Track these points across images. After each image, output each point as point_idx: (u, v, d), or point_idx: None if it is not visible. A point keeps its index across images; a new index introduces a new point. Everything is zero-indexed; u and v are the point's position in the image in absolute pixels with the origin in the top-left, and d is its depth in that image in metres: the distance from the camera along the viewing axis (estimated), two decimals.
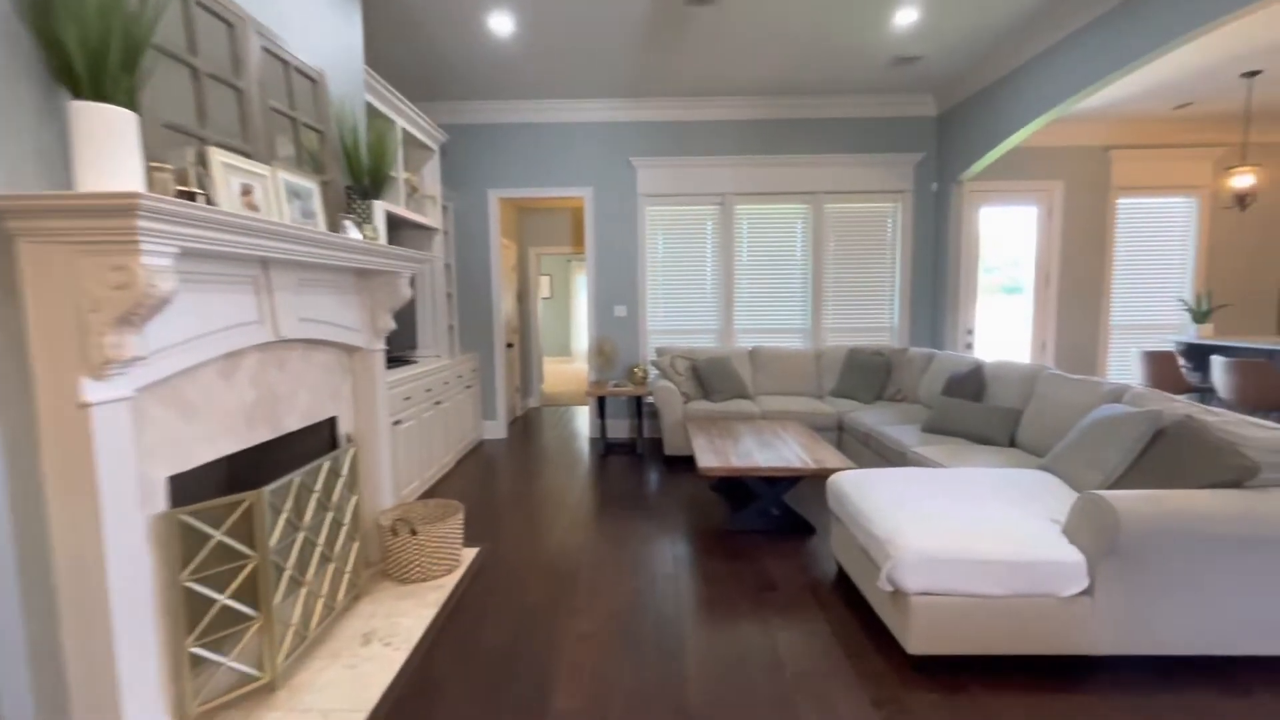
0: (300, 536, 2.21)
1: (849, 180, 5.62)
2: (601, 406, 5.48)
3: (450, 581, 2.85)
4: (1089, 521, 2.05)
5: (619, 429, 5.92)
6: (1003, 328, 5.99)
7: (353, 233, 2.63)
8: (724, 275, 5.74)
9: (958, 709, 1.95)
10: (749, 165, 5.61)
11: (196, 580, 1.81)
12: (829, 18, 3.92)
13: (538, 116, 5.56)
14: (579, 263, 12.41)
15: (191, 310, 1.80)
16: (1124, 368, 5.95)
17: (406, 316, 4.57)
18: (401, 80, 4.87)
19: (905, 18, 3.92)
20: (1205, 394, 4.38)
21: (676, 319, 5.84)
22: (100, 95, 1.45)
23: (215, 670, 1.95)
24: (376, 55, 4.40)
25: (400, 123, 4.04)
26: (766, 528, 3.46)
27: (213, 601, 1.86)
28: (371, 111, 3.63)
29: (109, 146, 1.45)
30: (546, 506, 3.95)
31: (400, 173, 3.98)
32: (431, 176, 4.73)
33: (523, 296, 7.42)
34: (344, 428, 2.85)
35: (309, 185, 2.39)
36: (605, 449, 5.38)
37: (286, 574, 2.11)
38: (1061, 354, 5.95)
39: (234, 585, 1.92)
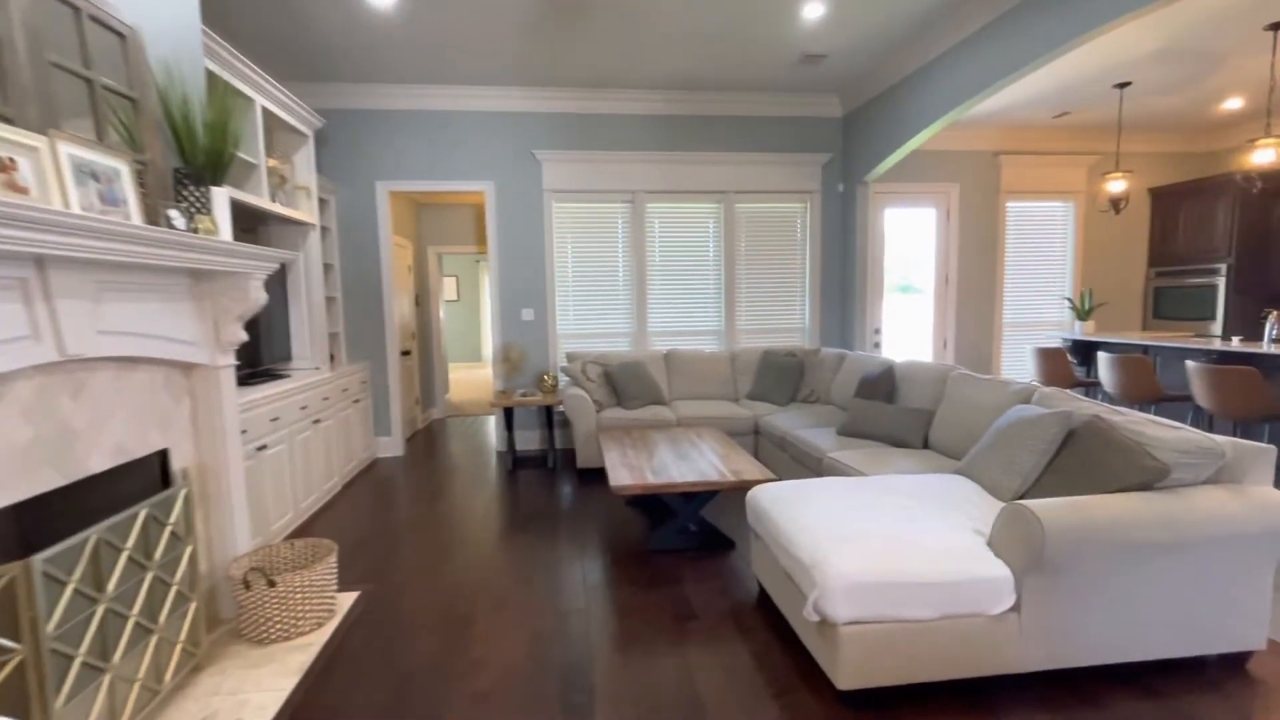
0: (100, 610, 1.73)
1: (759, 180, 5.55)
2: (509, 417, 5.09)
3: (320, 638, 2.42)
4: (1014, 534, 1.95)
5: (529, 440, 5.55)
6: (903, 327, 6.14)
7: (180, 225, 2.15)
8: (637, 276, 5.52)
9: None
10: (660, 162, 5.41)
11: None
12: (736, 8, 3.77)
13: (432, 103, 5.09)
14: (487, 263, 11.84)
15: None
16: (1017, 364, 6.26)
17: (279, 325, 4.00)
18: (274, 58, 4.28)
19: (812, 11, 3.84)
20: (1090, 388, 4.62)
21: (588, 322, 5.55)
22: None
23: None
24: (240, 27, 3.82)
25: (262, 102, 3.50)
26: (685, 546, 3.24)
27: None
28: (222, 86, 3.08)
29: None
30: (443, 534, 3.54)
31: (261, 158, 3.44)
32: (305, 166, 4.18)
33: (422, 299, 6.87)
34: (179, 462, 2.35)
35: (114, 165, 1.91)
36: (513, 463, 5.00)
37: (77, 663, 1.64)
38: (961, 352, 6.18)
39: None
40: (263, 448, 3.21)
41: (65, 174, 1.70)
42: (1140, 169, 6.30)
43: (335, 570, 2.61)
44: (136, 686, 1.87)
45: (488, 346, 12.28)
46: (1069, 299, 5.89)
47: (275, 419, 3.37)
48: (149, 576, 1.96)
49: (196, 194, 2.33)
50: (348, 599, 2.75)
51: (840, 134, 5.65)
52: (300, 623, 2.42)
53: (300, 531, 3.61)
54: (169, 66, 2.40)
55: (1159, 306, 6.27)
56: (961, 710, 1.94)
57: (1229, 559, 2.02)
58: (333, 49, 4.21)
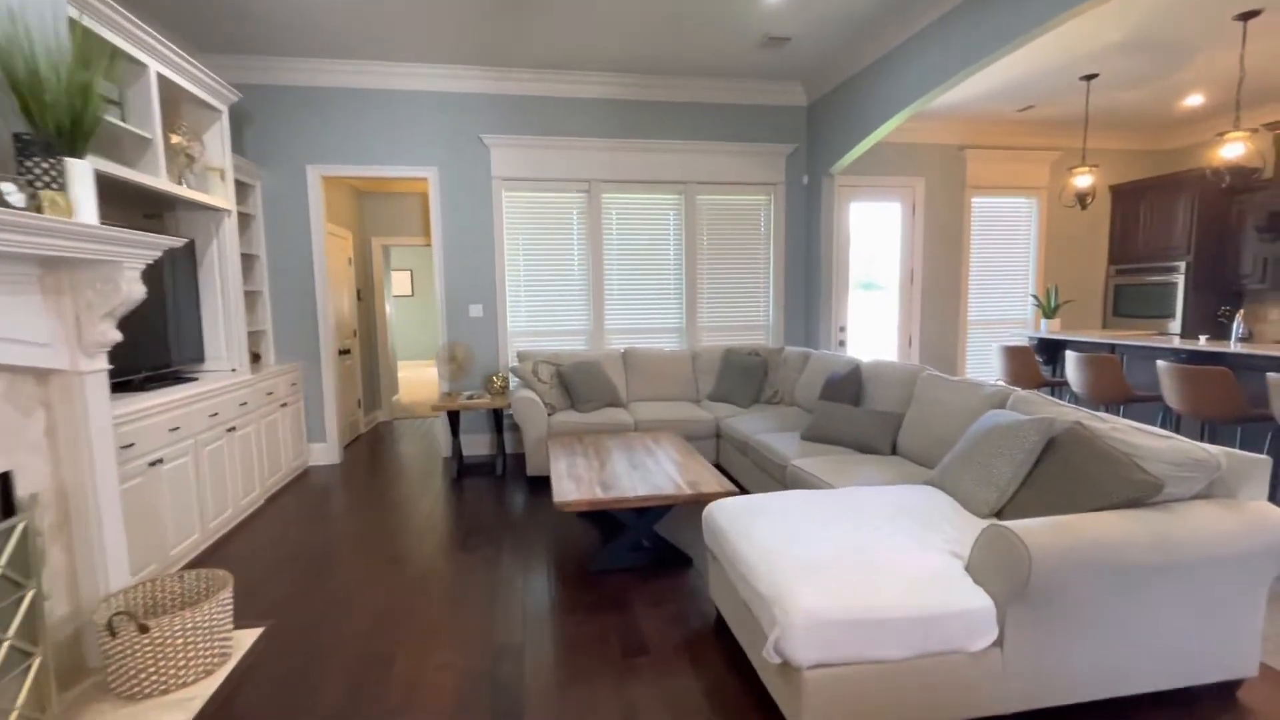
0: None
1: (721, 170, 5.31)
2: (455, 422, 4.74)
3: (206, 689, 2.07)
4: (996, 559, 1.73)
5: (478, 445, 5.20)
6: (868, 324, 5.99)
7: (17, 201, 1.77)
8: (593, 270, 5.21)
9: None
10: (617, 149, 5.12)
11: None
12: None
13: (370, 81, 4.69)
14: None
15: None
16: (983, 363, 6.17)
17: (189, 322, 3.59)
18: (185, 25, 3.83)
19: None
20: (1057, 387, 4.52)
21: (541, 319, 5.22)
22: None
23: None
24: None
25: (157, 67, 3.08)
26: (637, 564, 2.97)
27: None
28: (80, 33, 2.66)
29: None
30: (372, 553, 3.20)
31: (157, 133, 3.02)
32: (219, 145, 3.75)
33: (365, 294, 6.44)
34: (26, 486, 1.96)
35: None
36: (459, 470, 4.66)
37: None
38: (927, 350, 6.05)
39: None
40: (157, 462, 2.82)
41: None
42: (1102, 166, 6.27)
43: (230, 606, 2.26)
44: None
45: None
46: (1035, 296, 5.82)
47: (175, 429, 2.97)
48: None
49: (46, 166, 1.94)
50: (249, 637, 2.40)
51: (805, 124, 5.45)
52: (183, 672, 2.07)
53: (208, 555, 3.22)
54: (14, 14, 2.00)
55: (1119, 304, 6.26)
56: None
57: (1223, 581, 1.85)
58: (252, 17, 3.79)
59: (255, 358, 4.59)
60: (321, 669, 2.20)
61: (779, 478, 3.42)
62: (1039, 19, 3.05)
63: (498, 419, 4.82)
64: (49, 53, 2.01)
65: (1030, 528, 1.73)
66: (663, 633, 2.40)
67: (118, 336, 2.19)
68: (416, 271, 11.51)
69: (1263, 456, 1.90)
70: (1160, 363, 3.37)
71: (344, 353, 5.57)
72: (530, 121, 4.98)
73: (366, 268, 6.55)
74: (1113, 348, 4.33)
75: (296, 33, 4.07)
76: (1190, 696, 1.96)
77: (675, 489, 2.77)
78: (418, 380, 9.77)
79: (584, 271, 5.22)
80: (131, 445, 2.63)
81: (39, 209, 1.86)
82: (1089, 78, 4.63)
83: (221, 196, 3.74)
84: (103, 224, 2.05)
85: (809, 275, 5.53)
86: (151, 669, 2.01)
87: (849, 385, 3.75)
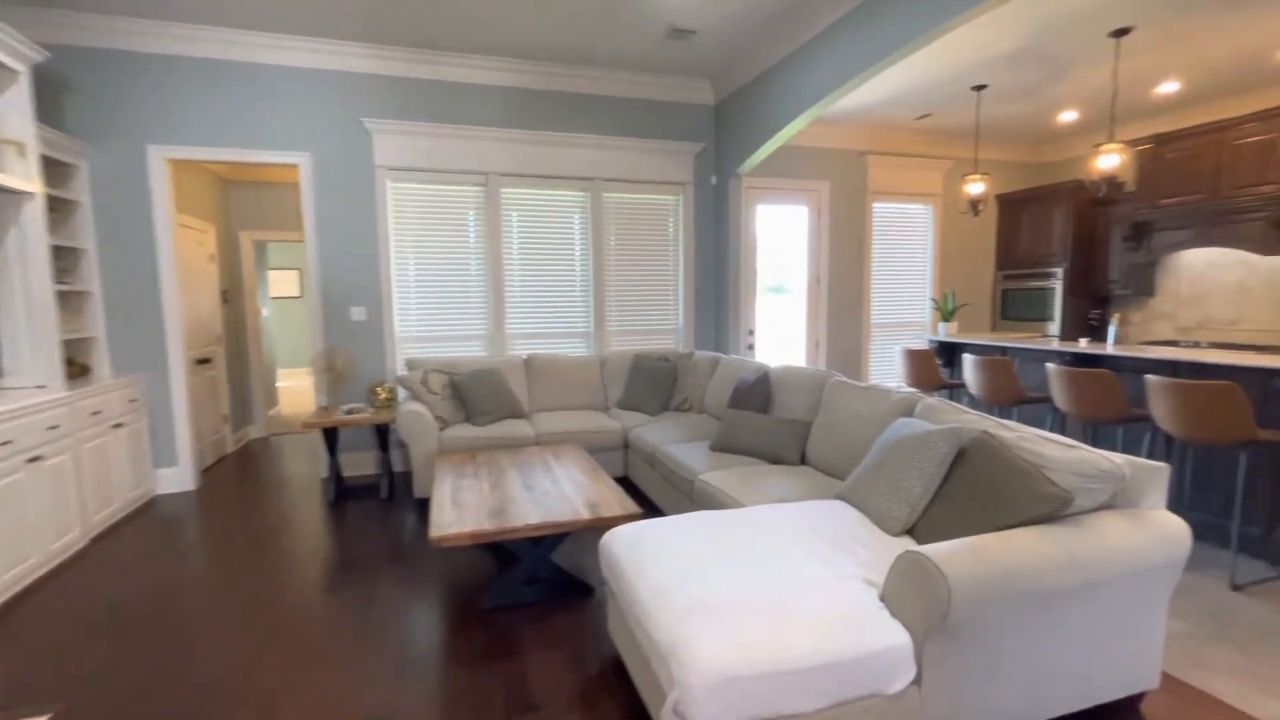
0: None
1: (629, 167, 5.08)
2: (333, 439, 4.22)
3: None
4: (913, 590, 1.58)
5: (361, 464, 4.69)
6: (776, 328, 5.97)
7: None
8: (492, 271, 4.84)
9: None
10: (518, 141, 4.77)
11: None
12: None
13: (227, 51, 4.09)
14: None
15: None
16: (886, 366, 6.31)
17: None
18: None
19: None
20: (955, 389, 4.63)
21: (435, 324, 4.78)
22: None
23: None
24: None
25: None
26: (532, 599, 2.67)
27: None
28: None
29: None
30: (216, 602, 2.70)
31: None
32: (19, 114, 3.09)
33: (232, 296, 5.71)
34: None
35: None
36: (337, 494, 4.15)
37: None
38: (833, 354, 6.11)
39: None
40: None
41: None
42: (990, 176, 6.59)
43: None
44: None
45: None
46: (934, 299, 6.00)
47: None
48: None
49: None
50: None
51: (713, 123, 5.33)
52: None
53: (1, 615, 2.60)
54: None
55: (1006, 308, 6.60)
56: None
57: (1130, 595, 1.79)
58: None
59: (83, 370, 3.88)
60: None
61: (687, 493, 3.22)
62: (933, 22, 3.05)
63: (383, 435, 4.35)
64: None
65: (948, 556, 1.59)
66: (557, 683, 2.11)
67: None
68: (306, 271, 10.54)
69: (1162, 465, 1.88)
70: (1050, 365, 3.45)
71: (203, 362, 4.88)
72: (419, 107, 4.54)
73: (234, 266, 5.82)
74: (1004, 350, 4.47)
75: None
76: (1101, 713, 1.90)
77: (573, 514, 2.49)
78: (305, 390, 8.92)
79: (482, 272, 4.83)
80: None
81: None
82: (979, 88, 4.79)
83: (21, 177, 3.08)
84: None
85: (718, 277, 5.42)
86: None
87: (758, 392, 3.62)
